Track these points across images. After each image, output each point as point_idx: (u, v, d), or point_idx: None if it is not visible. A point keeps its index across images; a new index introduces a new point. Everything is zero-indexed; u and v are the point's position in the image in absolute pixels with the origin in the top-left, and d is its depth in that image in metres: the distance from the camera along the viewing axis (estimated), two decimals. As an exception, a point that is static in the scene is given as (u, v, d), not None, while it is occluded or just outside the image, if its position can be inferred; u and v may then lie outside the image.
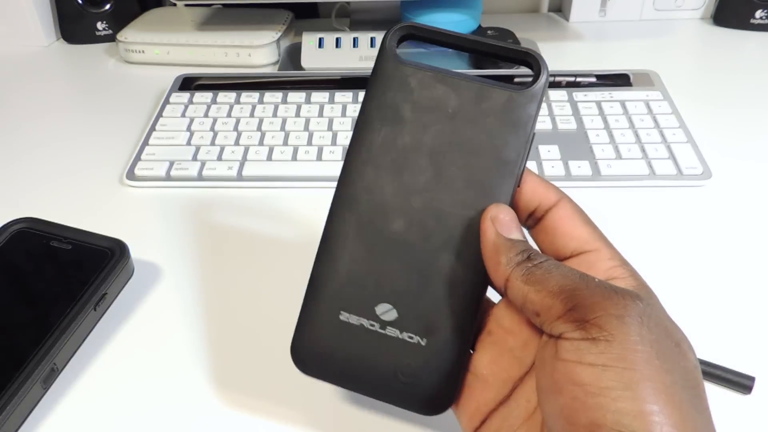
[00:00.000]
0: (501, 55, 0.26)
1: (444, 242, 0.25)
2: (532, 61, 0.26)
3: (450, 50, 0.67)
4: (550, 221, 0.25)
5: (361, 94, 0.57)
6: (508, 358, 0.25)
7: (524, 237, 0.25)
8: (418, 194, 0.26)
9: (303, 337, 0.27)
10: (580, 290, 0.21)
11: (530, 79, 0.25)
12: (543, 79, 0.25)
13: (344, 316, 0.26)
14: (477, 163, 0.25)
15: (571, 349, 0.20)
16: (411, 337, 0.25)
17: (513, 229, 0.24)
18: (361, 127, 0.27)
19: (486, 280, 0.25)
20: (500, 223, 0.24)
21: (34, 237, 0.41)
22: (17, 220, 0.42)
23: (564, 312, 0.21)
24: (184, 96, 0.58)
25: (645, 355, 0.19)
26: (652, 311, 0.21)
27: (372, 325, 0.26)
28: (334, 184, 0.51)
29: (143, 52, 0.67)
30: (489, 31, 0.65)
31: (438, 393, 0.25)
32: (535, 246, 0.26)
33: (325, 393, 0.34)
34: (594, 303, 0.20)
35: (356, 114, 0.55)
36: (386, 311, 0.26)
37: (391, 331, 0.25)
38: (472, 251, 0.25)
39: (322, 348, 0.26)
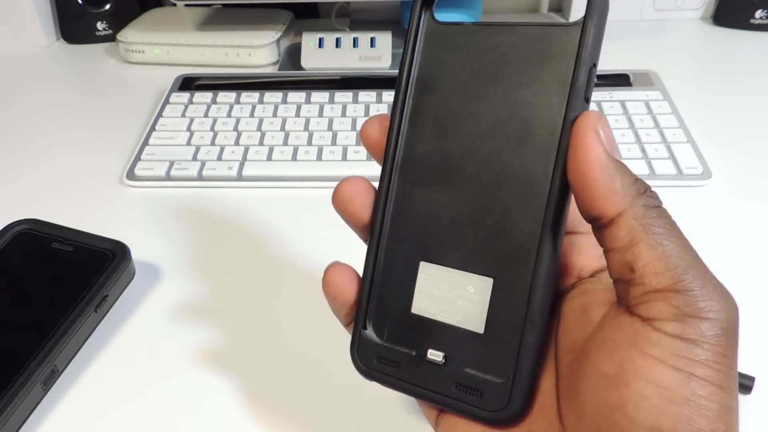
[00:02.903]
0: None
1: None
2: None
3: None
4: None
5: (362, 94, 0.57)
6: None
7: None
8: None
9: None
10: (697, 274, 0.18)
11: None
12: (596, 7, 0.22)
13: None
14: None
15: (658, 344, 0.17)
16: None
17: (616, 152, 0.19)
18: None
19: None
20: (607, 139, 0.19)
21: (36, 239, 0.41)
22: (19, 221, 0.42)
23: (669, 290, 0.17)
24: (184, 96, 0.58)
25: (731, 376, 0.17)
26: (738, 326, 0.18)
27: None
28: (335, 184, 0.51)
29: (143, 52, 0.67)
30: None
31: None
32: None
33: (322, 396, 0.35)
34: (704, 297, 0.17)
35: (356, 114, 0.55)
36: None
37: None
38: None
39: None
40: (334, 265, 0.25)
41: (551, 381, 0.22)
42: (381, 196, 0.25)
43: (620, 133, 0.52)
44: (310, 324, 0.38)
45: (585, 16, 0.22)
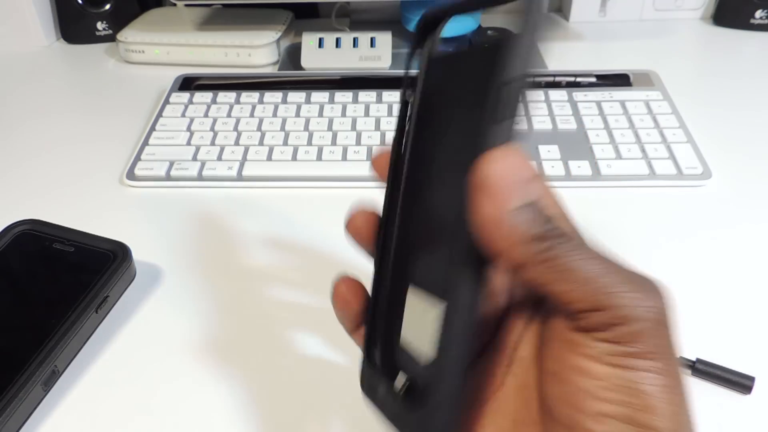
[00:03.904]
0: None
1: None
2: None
3: (449, 49, 0.67)
4: None
5: (362, 94, 0.57)
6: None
7: (532, 178, 0.19)
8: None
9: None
10: (610, 285, 0.18)
11: None
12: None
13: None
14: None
15: (591, 347, 0.19)
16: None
17: (517, 186, 0.18)
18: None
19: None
20: (497, 188, 0.18)
21: (37, 239, 0.41)
22: (20, 222, 0.42)
23: (589, 309, 0.18)
24: (184, 96, 0.58)
25: (669, 361, 0.19)
26: (670, 312, 0.19)
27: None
28: (335, 184, 0.51)
29: (143, 52, 0.67)
30: (489, 31, 0.65)
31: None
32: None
33: (323, 396, 0.35)
34: (623, 305, 0.18)
35: (356, 114, 0.55)
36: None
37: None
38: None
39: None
40: (343, 278, 0.26)
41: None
42: (382, 223, 0.25)
43: (620, 133, 0.52)
44: (310, 324, 0.38)
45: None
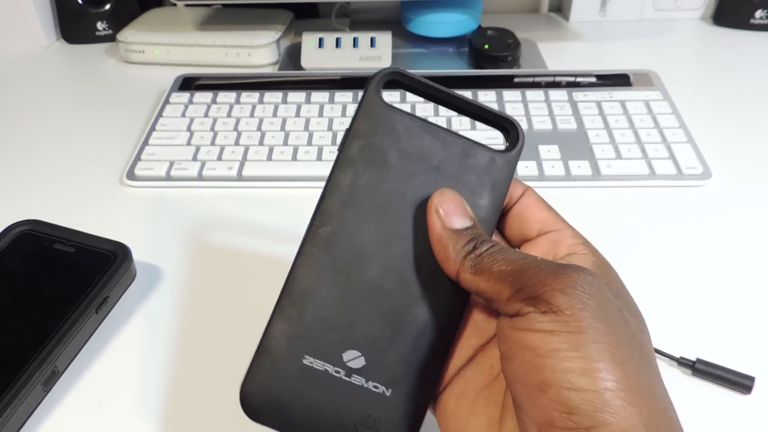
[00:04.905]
0: (481, 117, 0.27)
1: (419, 293, 0.25)
2: (509, 127, 0.27)
3: (449, 49, 0.67)
4: (517, 208, 0.27)
5: (362, 94, 0.57)
6: (470, 329, 0.26)
7: (472, 220, 0.25)
8: (399, 242, 0.25)
9: (259, 380, 0.24)
10: (525, 271, 0.22)
11: (505, 144, 0.27)
12: (520, 143, 0.27)
13: (308, 360, 0.24)
14: None
15: (522, 321, 0.21)
16: (376, 387, 0.24)
17: (458, 217, 0.25)
18: (342, 166, 0.26)
19: (457, 329, 0.26)
20: (445, 214, 0.25)
21: (37, 240, 0.41)
22: (20, 222, 0.42)
23: (513, 294, 0.22)
24: (184, 96, 0.58)
25: (588, 321, 0.20)
26: (595, 281, 0.22)
27: (337, 372, 0.24)
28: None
29: (143, 52, 0.67)
30: (489, 31, 0.65)
31: None
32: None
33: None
34: (539, 281, 0.21)
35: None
36: (354, 358, 0.24)
37: (357, 380, 0.24)
38: (446, 303, 0.25)
39: (280, 393, 0.24)
40: None
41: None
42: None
43: (620, 133, 0.52)
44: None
45: (513, 148, 0.27)
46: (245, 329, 0.38)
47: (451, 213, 0.25)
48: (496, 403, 0.24)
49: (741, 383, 0.34)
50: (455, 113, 0.28)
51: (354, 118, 0.26)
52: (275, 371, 0.24)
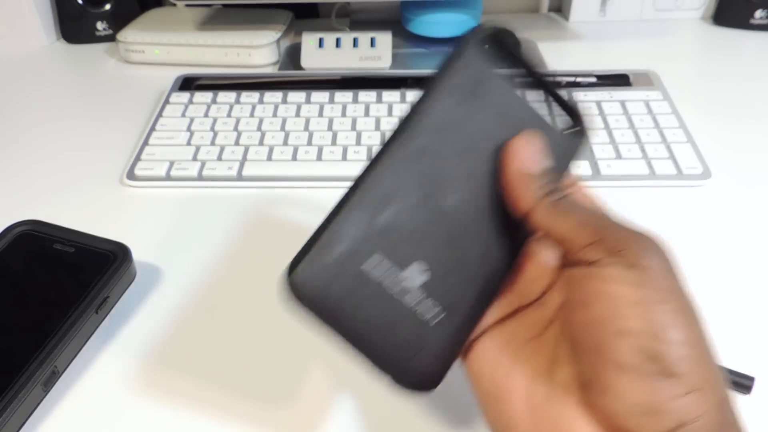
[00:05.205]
0: (557, 101, 0.30)
1: (486, 233, 0.26)
2: (577, 119, 0.30)
3: (449, 49, 0.67)
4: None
5: (362, 94, 0.57)
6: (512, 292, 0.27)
7: (550, 164, 0.26)
8: (476, 180, 0.26)
9: (318, 264, 0.23)
10: (607, 225, 0.23)
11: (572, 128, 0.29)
12: (585, 137, 0.29)
13: (376, 259, 0.24)
14: None
15: (605, 271, 0.22)
16: (434, 305, 0.25)
17: (542, 158, 0.26)
18: (434, 96, 0.27)
19: (504, 279, 0.27)
20: (531, 153, 0.26)
21: (37, 240, 0.41)
22: (20, 222, 0.42)
23: (593, 242, 0.23)
24: (184, 96, 0.58)
25: (672, 281, 0.22)
26: (669, 251, 0.23)
27: (396, 280, 0.24)
28: (335, 183, 0.51)
29: (143, 52, 0.67)
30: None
31: (424, 370, 0.24)
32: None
33: (326, 395, 0.35)
34: (623, 237, 0.22)
35: (356, 114, 0.55)
36: (418, 272, 0.25)
37: (415, 295, 0.24)
38: (504, 249, 0.26)
39: (333, 281, 0.23)
40: None
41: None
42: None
43: (620, 133, 0.52)
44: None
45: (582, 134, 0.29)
46: (245, 329, 0.38)
47: (537, 152, 0.26)
48: (543, 356, 0.25)
49: (741, 383, 0.34)
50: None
51: (451, 59, 0.27)
52: (338, 261, 0.24)
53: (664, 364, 0.21)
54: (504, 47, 0.29)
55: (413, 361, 0.24)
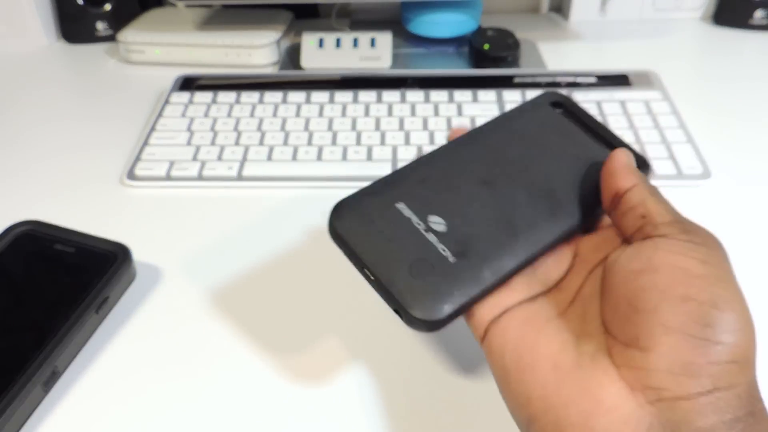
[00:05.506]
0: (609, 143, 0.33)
1: (534, 212, 0.30)
2: (645, 161, 0.33)
3: (449, 49, 0.67)
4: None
5: (362, 94, 0.57)
6: (533, 281, 0.29)
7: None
8: (533, 175, 0.31)
9: (357, 203, 0.29)
10: (682, 216, 0.27)
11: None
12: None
13: (401, 205, 0.29)
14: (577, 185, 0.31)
15: (676, 244, 0.25)
16: (444, 250, 0.27)
17: (634, 162, 0.30)
18: (505, 121, 0.34)
19: (534, 255, 0.29)
20: (626, 157, 0.30)
21: (38, 240, 0.41)
22: (21, 222, 0.42)
23: (673, 221, 0.26)
24: (184, 96, 0.58)
25: (729, 267, 0.25)
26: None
27: (418, 224, 0.28)
28: (335, 184, 0.51)
29: (143, 52, 0.67)
30: (489, 31, 0.65)
31: (433, 306, 0.26)
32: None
33: (327, 395, 0.35)
34: (694, 226, 0.26)
35: (356, 114, 0.55)
36: (438, 223, 0.28)
37: (431, 237, 0.28)
38: (545, 226, 0.29)
39: (365, 217, 0.29)
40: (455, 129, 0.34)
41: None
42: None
43: (620, 133, 0.51)
44: (311, 323, 0.38)
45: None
46: (245, 329, 0.38)
47: (633, 159, 0.30)
48: (569, 330, 0.27)
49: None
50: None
51: (521, 106, 0.35)
52: (374, 201, 0.29)
53: (714, 331, 0.23)
54: (566, 107, 0.35)
55: (425, 290, 0.26)
